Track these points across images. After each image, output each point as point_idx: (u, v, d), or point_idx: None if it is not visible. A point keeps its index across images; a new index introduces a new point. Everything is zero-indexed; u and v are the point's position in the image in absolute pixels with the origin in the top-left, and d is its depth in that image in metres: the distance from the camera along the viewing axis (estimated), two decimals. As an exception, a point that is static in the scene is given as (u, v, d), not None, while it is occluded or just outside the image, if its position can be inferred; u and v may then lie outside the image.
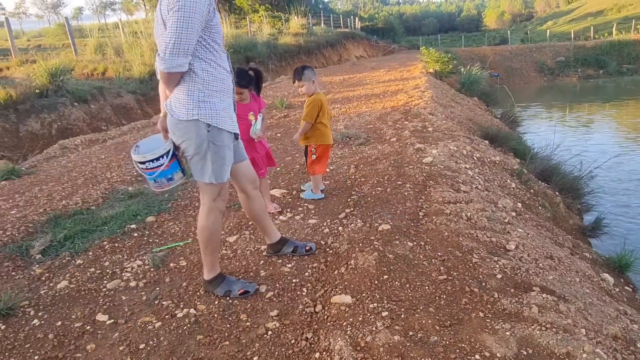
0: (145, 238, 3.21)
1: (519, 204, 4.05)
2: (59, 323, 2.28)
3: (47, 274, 2.81)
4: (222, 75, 2.11)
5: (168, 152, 2.17)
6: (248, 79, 3.07)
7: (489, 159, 5.11)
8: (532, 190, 4.83)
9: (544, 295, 2.26)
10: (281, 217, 3.40)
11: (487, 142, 6.01)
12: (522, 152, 6.47)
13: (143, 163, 2.20)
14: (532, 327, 1.99)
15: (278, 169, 4.65)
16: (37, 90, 8.13)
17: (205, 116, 2.05)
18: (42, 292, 2.60)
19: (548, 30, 40.91)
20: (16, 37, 18.40)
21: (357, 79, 12.89)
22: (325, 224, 3.23)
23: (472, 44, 42.51)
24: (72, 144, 6.25)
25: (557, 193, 5.16)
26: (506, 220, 3.31)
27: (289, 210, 3.53)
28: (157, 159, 2.18)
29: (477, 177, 4.22)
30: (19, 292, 2.58)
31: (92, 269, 2.80)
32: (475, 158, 4.92)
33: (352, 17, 40.81)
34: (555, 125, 12.37)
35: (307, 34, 23.54)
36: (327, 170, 4.44)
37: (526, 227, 3.40)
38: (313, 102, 3.47)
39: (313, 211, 3.50)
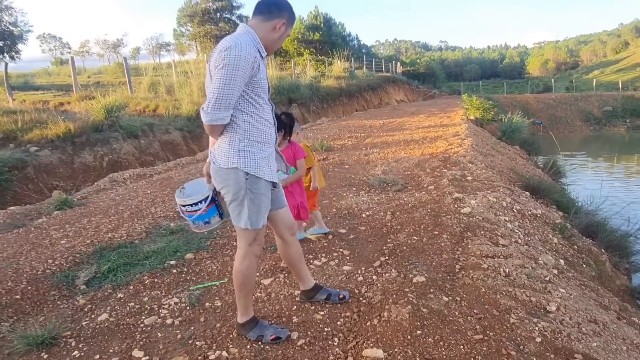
0: (183, 275, 3.31)
1: (562, 261, 3.90)
2: (97, 356, 2.36)
3: (90, 305, 2.92)
4: (263, 127, 2.22)
5: (206, 198, 2.32)
6: (280, 124, 3.17)
7: (529, 212, 4.98)
8: (575, 247, 4.65)
9: (587, 363, 2.16)
10: (316, 262, 3.42)
11: (528, 193, 5.88)
12: (565, 205, 6.26)
13: (184, 206, 2.36)
14: (573, 398, 1.90)
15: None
16: (93, 125, 8.66)
17: (244, 165, 2.15)
18: (84, 323, 2.70)
19: (594, 79, 40.18)
20: (78, 74, 19.79)
21: (397, 123, 13.01)
22: (359, 272, 3.22)
23: (515, 90, 42.25)
24: (121, 178, 6.57)
25: (603, 250, 4.94)
26: (547, 279, 3.20)
27: (323, 255, 3.55)
28: (196, 203, 2.34)
29: (516, 231, 4.13)
30: (63, 321, 2.70)
31: (132, 303, 2.90)
32: (515, 210, 4.82)
33: (394, 61, 41.64)
34: (602, 177, 11.94)
35: (349, 77, 24.13)
36: (364, 216, 4.46)
37: (569, 287, 3.27)
38: (307, 148, 3.64)
39: (348, 257, 3.51)
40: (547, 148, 14.01)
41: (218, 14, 34.67)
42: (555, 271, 3.48)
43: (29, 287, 3.14)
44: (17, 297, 3.03)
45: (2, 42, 18.20)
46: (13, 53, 18.81)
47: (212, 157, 2.24)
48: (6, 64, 14.70)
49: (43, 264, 3.48)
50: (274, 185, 2.33)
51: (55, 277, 3.28)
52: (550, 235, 4.50)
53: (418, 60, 54.81)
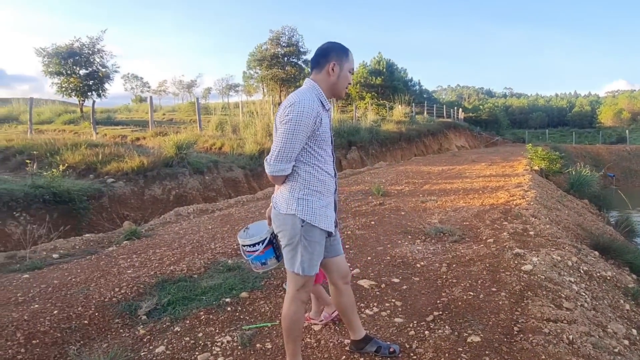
0: (237, 314, 3.40)
1: (634, 331, 3.60)
2: (153, 387, 2.46)
3: (149, 336, 3.07)
4: (323, 177, 2.32)
5: (264, 240, 2.46)
6: None
7: (598, 274, 4.67)
8: (651, 316, 4.28)
9: None
10: (367, 311, 3.40)
11: (597, 252, 5.53)
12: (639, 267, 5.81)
13: (244, 246, 2.54)
14: None
15: (369, 258, 4.70)
16: (164, 160, 9.26)
17: (302, 212, 2.25)
18: (142, 353, 2.84)
19: (675, 132, 37.50)
20: (154, 111, 21.38)
21: (457, 170, 12.79)
22: (411, 325, 3.16)
23: (585, 140, 40.30)
24: (186, 212, 6.93)
25: (684, 323, 4.50)
26: (616, 350, 2.97)
27: (375, 304, 3.53)
28: (254, 244, 2.49)
29: (583, 294, 3.88)
30: (124, 350, 2.85)
31: (187, 338, 3.01)
32: (582, 271, 4.54)
33: (455, 107, 41.33)
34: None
35: (409, 122, 24.22)
36: (418, 265, 4.40)
37: (641, 362, 3.01)
38: None
39: (400, 309, 3.46)
40: (620, 203, 13.11)
41: (285, 58, 36.40)
42: (627, 342, 3.22)
43: (96, 314, 3.35)
44: (85, 322, 3.24)
45: (92, 81, 20.07)
46: (100, 91, 20.63)
47: (273, 203, 2.37)
48: (93, 101, 16.18)
49: (110, 292, 3.71)
50: (329, 234, 2.39)
51: (120, 306, 3.48)
52: (622, 301, 4.18)
53: (481, 106, 53.99)
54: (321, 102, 2.27)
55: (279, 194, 2.34)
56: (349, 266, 4.37)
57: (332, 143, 2.38)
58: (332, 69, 2.30)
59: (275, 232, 2.41)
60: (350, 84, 2.42)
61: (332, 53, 2.31)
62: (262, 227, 2.60)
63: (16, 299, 3.59)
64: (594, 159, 20.43)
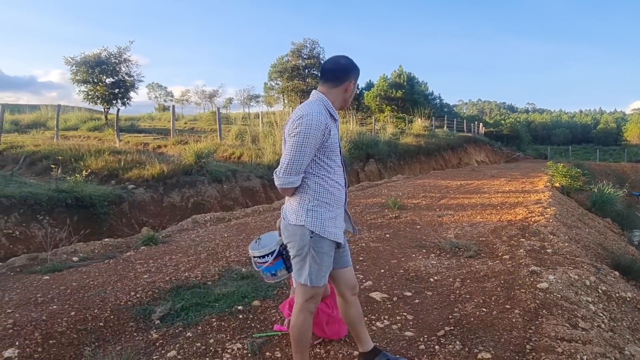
0: (248, 322, 3.43)
1: (654, 355, 3.51)
2: (163, 391, 2.50)
3: (161, 341, 3.12)
4: (333, 189, 2.35)
5: (273, 252, 2.50)
6: None
7: (617, 294, 4.56)
8: (673, 340, 4.15)
9: None
10: (378, 324, 3.40)
11: (617, 273, 5.39)
12: (663, 290, 5.64)
13: (254, 257, 2.58)
14: None
15: (382, 271, 4.69)
16: (183, 168, 9.43)
17: (311, 223, 2.27)
18: (154, 357, 2.89)
19: None
20: (176, 120, 21.81)
21: (475, 185, 12.67)
22: (421, 339, 3.14)
23: (609, 158, 39.46)
24: (203, 220, 7.02)
25: None
26: (633, 373, 2.90)
27: (386, 317, 3.52)
28: (263, 256, 2.53)
29: (600, 314, 3.80)
30: (137, 353, 2.91)
31: (199, 344, 3.06)
32: (600, 291, 4.44)
33: (476, 122, 40.97)
34: None
35: (429, 136, 24.11)
36: (431, 280, 4.37)
37: (659, 386, 2.93)
38: None
39: (411, 322, 3.44)
40: (645, 223, 12.72)
41: (306, 70, 36.77)
42: (644, 366, 3.14)
43: (112, 316, 3.43)
44: (101, 324, 3.32)
45: (117, 89, 20.59)
46: (125, 100, 21.15)
47: (283, 214, 2.41)
48: (118, 109, 16.61)
49: (126, 296, 3.79)
50: (338, 245, 2.41)
51: (135, 310, 3.55)
52: (642, 324, 4.07)
53: (502, 121, 53.35)
54: (330, 113, 2.31)
55: (289, 205, 2.38)
56: (360, 278, 4.38)
57: (340, 153, 2.41)
58: (350, 87, 2.35)
59: (285, 243, 2.44)
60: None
61: (352, 72, 2.35)
62: (273, 238, 2.63)
63: (36, 300, 3.70)
64: (618, 177, 19.94)
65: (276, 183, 2.28)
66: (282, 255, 2.53)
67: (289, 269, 2.54)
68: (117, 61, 20.37)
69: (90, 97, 20.41)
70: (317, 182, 2.30)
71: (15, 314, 3.38)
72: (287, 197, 2.44)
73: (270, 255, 2.50)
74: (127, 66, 20.87)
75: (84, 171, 8.15)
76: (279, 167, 2.26)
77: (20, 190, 6.84)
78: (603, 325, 3.56)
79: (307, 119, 2.17)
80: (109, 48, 20.27)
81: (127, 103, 21.39)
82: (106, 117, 21.84)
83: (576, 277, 4.47)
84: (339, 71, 2.34)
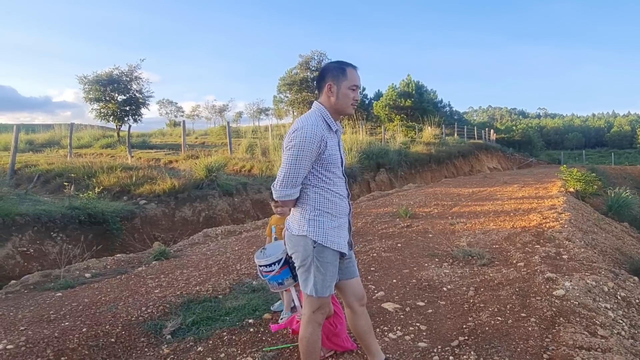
0: (259, 335, 3.40)
1: (677, 363, 3.39)
2: (174, 407, 2.48)
3: (172, 356, 3.11)
4: (334, 199, 2.33)
5: (279, 260, 2.49)
6: None
7: (638, 300, 4.44)
8: (697, 347, 4.02)
9: None
10: (390, 335, 3.34)
11: (637, 278, 5.25)
12: (685, 295, 5.48)
13: (260, 266, 2.58)
14: None
15: (394, 281, 4.63)
16: (194, 182, 9.48)
17: (313, 233, 2.26)
18: (165, 372, 2.87)
19: None
20: (187, 135, 22.04)
21: (487, 192, 12.53)
22: (435, 350, 3.08)
23: (624, 161, 38.86)
24: (214, 233, 7.03)
25: None
26: (656, 382, 2.81)
27: (399, 328, 3.46)
28: (270, 265, 2.53)
29: (620, 321, 3.69)
30: (148, 368, 2.89)
31: (210, 358, 3.03)
32: (619, 297, 4.33)
33: (487, 128, 40.69)
34: None
35: (439, 144, 23.97)
36: (444, 289, 4.30)
37: (684, 395, 2.83)
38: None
39: (424, 333, 3.38)
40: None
41: (314, 82, 36.97)
42: (667, 374, 3.04)
43: (123, 332, 3.43)
44: (112, 340, 3.32)
45: (129, 106, 20.89)
46: (136, 116, 21.44)
47: (286, 225, 2.40)
48: (129, 126, 16.83)
49: (137, 311, 3.79)
50: (342, 255, 2.38)
51: (146, 325, 3.55)
52: (664, 330, 3.95)
53: (514, 127, 52.94)
54: (328, 124, 2.29)
55: (291, 216, 2.38)
56: (372, 288, 4.33)
57: (342, 164, 2.39)
58: (330, 90, 2.30)
59: (289, 254, 2.43)
60: (357, 100, 2.36)
61: (327, 74, 2.31)
62: (278, 248, 2.62)
63: (48, 317, 3.71)
64: (634, 181, 19.59)
65: (274, 196, 2.28)
66: (289, 264, 2.52)
67: (295, 278, 2.53)
68: (128, 79, 20.69)
69: (102, 114, 20.73)
70: (317, 192, 2.29)
71: (28, 331, 3.40)
72: (291, 209, 2.44)
73: (276, 264, 2.49)
74: (139, 83, 21.19)
75: (96, 188, 8.24)
76: (276, 180, 2.26)
77: (35, 208, 6.93)
78: (623, 333, 3.46)
79: (302, 132, 2.16)
80: (120, 66, 20.63)
81: (139, 119, 21.66)
82: (118, 134, 22.14)
83: (594, 283, 4.37)
84: (318, 77, 2.36)
